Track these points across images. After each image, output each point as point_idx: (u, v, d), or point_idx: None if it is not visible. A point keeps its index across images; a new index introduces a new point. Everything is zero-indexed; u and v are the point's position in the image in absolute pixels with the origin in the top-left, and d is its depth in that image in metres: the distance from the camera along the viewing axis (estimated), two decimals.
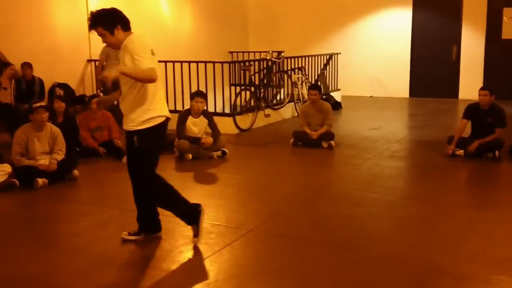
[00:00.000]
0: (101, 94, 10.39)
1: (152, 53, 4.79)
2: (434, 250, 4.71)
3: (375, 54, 15.89)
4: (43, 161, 7.03)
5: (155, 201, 4.97)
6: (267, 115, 11.33)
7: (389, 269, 4.38)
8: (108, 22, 4.79)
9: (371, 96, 15.99)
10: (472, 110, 8.31)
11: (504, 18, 14.46)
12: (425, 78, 15.50)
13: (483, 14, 14.64)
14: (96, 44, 10.90)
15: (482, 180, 7.28)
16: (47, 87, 10.32)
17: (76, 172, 7.21)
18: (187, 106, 8.71)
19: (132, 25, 4.81)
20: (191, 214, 4.93)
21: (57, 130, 7.27)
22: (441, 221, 5.49)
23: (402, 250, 4.76)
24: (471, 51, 14.90)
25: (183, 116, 8.46)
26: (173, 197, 4.94)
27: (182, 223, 5.28)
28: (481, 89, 8.26)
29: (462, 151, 8.13)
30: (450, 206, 6.01)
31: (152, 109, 4.75)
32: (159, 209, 5.02)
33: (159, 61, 10.15)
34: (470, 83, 14.22)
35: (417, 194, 6.58)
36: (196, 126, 8.46)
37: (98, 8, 4.85)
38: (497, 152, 7.99)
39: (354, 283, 4.14)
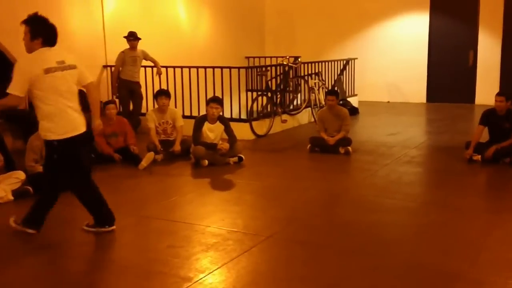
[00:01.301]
0: (117, 100, 10.41)
1: (50, 71, 4.94)
2: (453, 256, 4.68)
3: (392, 59, 15.81)
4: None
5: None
6: (284, 121, 11.28)
7: (408, 275, 4.34)
8: (36, 29, 4.99)
9: (388, 102, 15.92)
10: (489, 116, 8.27)
11: None
12: (442, 83, 15.40)
13: (499, 19, 14.55)
14: (112, 49, 11.01)
15: (499, 185, 7.22)
16: None
17: None
18: (203, 112, 8.67)
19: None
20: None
21: None
22: (459, 227, 5.46)
23: (421, 256, 4.72)
24: (487, 56, 14.79)
25: (199, 122, 8.42)
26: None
27: (199, 230, 5.34)
28: (497, 95, 8.22)
29: (480, 156, 8.07)
30: (468, 211, 5.98)
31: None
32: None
33: (175, 66, 10.15)
34: (487, 88, 14.12)
35: (435, 200, 6.52)
36: (213, 132, 8.42)
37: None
38: None
39: None
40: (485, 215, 5.89)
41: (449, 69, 15.29)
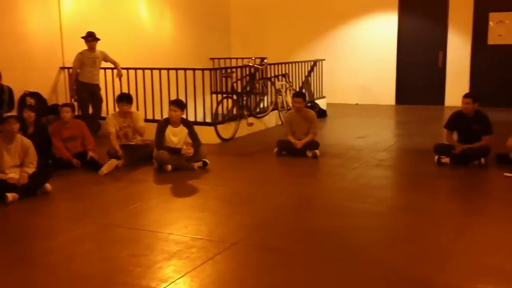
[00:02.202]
0: (75, 103, 10.12)
1: None
2: (423, 261, 4.64)
3: (360, 60, 15.81)
4: (13, 174, 6.71)
5: None
6: (250, 124, 11.11)
7: (378, 281, 4.28)
8: None
9: (356, 104, 15.86)
10: (457, 119, 8.27)
11: (490, 23, 14.46)
12: (411, 85, 15.45)
13: (469, 20, 14.63)
14: (70, 51, 10.71)
15: (469, 188, 7.20)
16: (18, 96, 9.92)
17: (48, 186, 6.89)
18: (166, 115, 8.45)
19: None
20: None
21: (28, 142, 6.95)
22: (429, 231, 5.44)
23: (391, 261, 4.67)
24: (457, 57, 14.87)
25: (162, 125, 8.21)
26: None
27: (162, 237, 5.23)
28: (464, 96, 8.21)
29: (449, 159, 8.05)
30: (438, 215, 5.95)
31: None
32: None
33: (137, 68, 9.94)
34: (457, 89, 14.08)
35: (405, 203, 6.50)
36: (176, 136, 8.20)
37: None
38: (483, 160, 7.92)
39: None
40: (455, 218, 5.87)
41: (418, 70, 15.34)
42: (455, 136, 8.29)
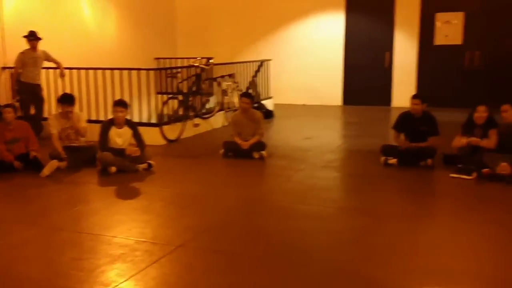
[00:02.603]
0: (17, 104, 9.86)
1: None
2: (370, 262, 4.66)
3: (307, 60, 15.85)
4: None
5: None
6: (196, 125, 11.02)
7: (326, 283, 4.29)
8: None
9: (304, 104, 15.87)
10: (404, 119, 8.31)
11: (437, 23, 14.64)
12: (358, 85, 15.50)
13: (416, 20, 14.79)
14: (11, 50, 10.43)
15: (415, 189, 7.22)
16: None
17: None
18: (110, 116, 8.32)
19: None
20: None
21: None
22: (377, 232, 5.46)
23: (338, 263, 4.69)
24: (404, 57, 15.00)
25: (106, 126, 8.08)
26: None
27: (105, 240, 5.13)
28: (413, 97, 8.26)
29: (396, 160, 8.11)
30: (385, 216, 5.96)
31: None
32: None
33: (80, 68, 9.70)
34: (403, 90, 14.30)
35: (352, 205, 6.52)
36: (120, 137, 8.07)
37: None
38: (429, 160, 8.00)
39: None
40: (401, 219, 5.87)
41: (365, 71, 15.40)
42: (402, 137, 8.33)
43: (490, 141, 7.50)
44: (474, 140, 7.55)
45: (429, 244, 5.09)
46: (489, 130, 7.61)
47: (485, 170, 7.21)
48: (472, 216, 5.90)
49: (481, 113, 7.63)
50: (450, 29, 14.52)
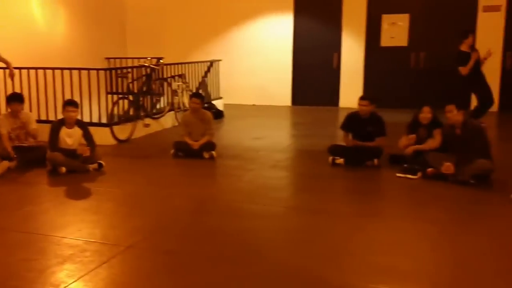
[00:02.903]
0: None
1: None
2: (318, 261, 4.72)
3: (257, 61, 15.89)
4: None
5: None
6: (147, 125, 11.01)
7: (275, 282, 4.33)
8: None
9: (253, 105, 15.94)
10: (352, 120, 8.40)
11: (383, 25, 14.80)
12: (307, 86, 15.60)
13: (362, 21, 14.92)
14: None
15: (362, 188, 7.29)
16: None
17: None
18: (60, 116, 8.27)
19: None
20: None
21: None
22: (324, 232, 5.51)
23: (287, 262, 4.71)
24: (351, 58, 15.12)
25: (56, 126, 8.01)
26: None
27: (55, 241, 5.10)
28: (361, 98, 8.33)
29: (343, 160, 8.22)
30: (332, 215, 6.03)
31: None
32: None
33: (30, 68, 9.57)
34: (351, 91, 14.45)
35: (302, 204, 6.55)
36: (71, 137, 8.03)
37: None
38: (376, 160, 8.13)
39: None
40: (349, 218, 5.95)
41: (314, 71, 15.49)
42: (350, 137, 8.40)
43: (434, 141, 7.67)
44: (418, 147, 7.75)
45: (375, 243, 5.17)
46: (433, 130, 7.78)
47: (429, 169, 7.36)
48: (416, 215, 6.03)
49: (426, 114, 7.80)
50: (396, 30, 14.71)
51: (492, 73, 12.19)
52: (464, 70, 11.02)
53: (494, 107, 12.52)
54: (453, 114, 7.35)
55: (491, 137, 7.63)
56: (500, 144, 9.64)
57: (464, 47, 11.13)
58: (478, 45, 11.26)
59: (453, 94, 9.48)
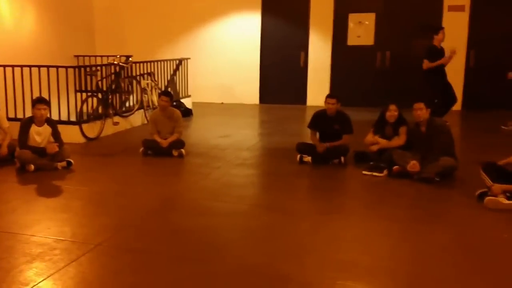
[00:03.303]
0: None
1: None
2: (283, 258, 4.77)
3: (225, 59, 15.92)
4: None
5: None
6: (116, 123, 11.01)
7: (239, 280, 4.37)
8: None
9: (222, 103, 15.99)
10: (319, 118, 8.48)
11: (350, 24, 14.90)
12: (274, 84, 15.67)
13: (329, 21, 15.01)
14: None
15: (328, 186, 7.36)
16: None
17: None
18: (28, 114, 8.26)
19: None
20: None
21: None
22: (289, 229, 5.57)
23: (252, 259, 4.77)
24: (318, 57, 15.20)
25: (26, 124, 8.02)
26: None
27: (23, 239, 5.07)
28: (329, 97, 8.42)
29: (310, 158, 8.30)
30: (298, 213, 6.10)
31: None
32: None
33: None
34: (318, 89, 14.60)
35: (267, 202, 6.63)
36: (40, 135, 8.04)
37: None
38: (342, 158, 8.25)
39: None
40: (314, 216, 6.04)
41: (281, 70, 15.57)
42: (318, 136, 8.49)
43: (400, 139, 7.83)
44: (383, 144, 7.89)
45: (339, 240, 5.25)
46: (399, 128, 7.93)
47: (395, 167, 7.49)
48: (379, 212, 6.12)
49: (392, 112, 7.92)
50: (361, 29, 14.85)
51: (456, 72, 12.36)
52: (427, 64, 11.20)
53: (457, 106, 12.83)
54: (423, 112, 7.46)
55: (454, 135, 7.77)
56: (463, 141, 9.81)
57: (436, 42, 11.34)
58: (443, 44, 11.44)
59: (419, 92, 9.63)
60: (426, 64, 11.24)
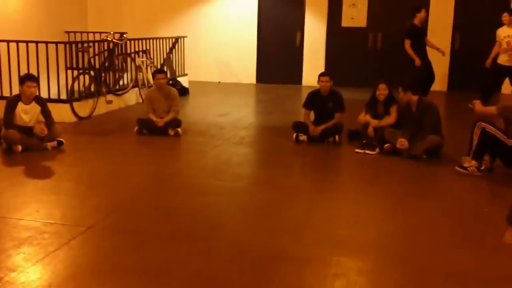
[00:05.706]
0: None
1: None
2: (280, 235, 4.83)
3: (222, 38, 15.83)
4: None
5: None
6: (109, 102, 10.76)
7: (237, 257, 4.40)
8: None
9: (219, 82, 15.93)
10: (313, 98, 8.59)
11: (344, 6, 15.08)
12: (271, 64, 15.73)
13: (325, 2, 15.12)
14: None
15: (323, 164, 7.61)
16: None
17: None
18: (15, 92, 7.94)
19: None
20: None
21: None
22: (286, 207, 5.63)
23: (249, 237, 4.82)
24: (313, 38, 15.30)
25: (12, 102, 7.70)
26: None
27: (11, 223, 4.94)
28: (322, 75, 8.55)
29: (306, 136, 8.40)
30: (294, 191, 6.15)
31: None
32: None
33: None
34: (313, 69, 14.50)
35: (264, 180, 6.70)
36: (28, 113, 7.73)
37: None
38: (337, 137, 8.39)
39: (201, 275, 4.09)
40: (310, 194, 6.13)
41: (277, 50, 15.65)
42: (312, 115, 8.62)
43: (391, 118, 8.01)
44: (374, 123, 7.99)
45: (335, 217, 5.36)
46: (390, 107, 8.09)
47: (386, 145, 7.70)
48: (372, 189, 6.32)
49: (381, 91, 8.07)
50: (355, 12, 15.06)
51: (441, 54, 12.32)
52: (408, 43, 11.19)
53: (443, 86, 13.55)
54: (410, 97, 7.70)
55: (440, 115, 7.98)
56: (449, 122, 9.87)
57: (416, 21, 11.34)
58: (429, 26, 11.72)
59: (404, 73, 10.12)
60: (407, 46, 11.23)
